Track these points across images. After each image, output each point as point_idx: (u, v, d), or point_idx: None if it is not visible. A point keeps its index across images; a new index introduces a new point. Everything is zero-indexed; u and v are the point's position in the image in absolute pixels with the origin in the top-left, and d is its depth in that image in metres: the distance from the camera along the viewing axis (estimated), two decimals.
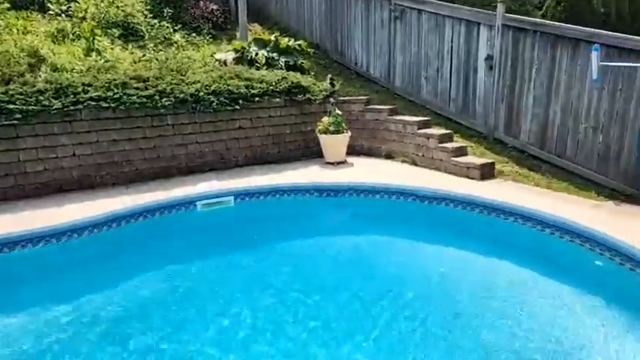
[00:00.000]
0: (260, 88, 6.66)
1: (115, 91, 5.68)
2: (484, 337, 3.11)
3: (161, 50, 7.78)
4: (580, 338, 3.15)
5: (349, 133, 6.86)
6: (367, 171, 6.40)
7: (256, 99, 6.58)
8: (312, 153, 7.15)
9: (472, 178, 5.82)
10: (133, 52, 7.43)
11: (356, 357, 2.96)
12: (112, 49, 7.30)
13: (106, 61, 6.52)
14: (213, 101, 6.22)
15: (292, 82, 6.94)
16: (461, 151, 6.31)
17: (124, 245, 4.61)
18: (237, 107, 6.44)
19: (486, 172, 5.87)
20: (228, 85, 6.44)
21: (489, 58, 6.51)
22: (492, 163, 6.02)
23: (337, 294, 3.76)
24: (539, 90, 5.97)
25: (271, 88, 6.74)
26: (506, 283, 4.00)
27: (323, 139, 6.81)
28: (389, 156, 7.19)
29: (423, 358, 2.96)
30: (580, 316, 3.42)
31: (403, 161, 6.92)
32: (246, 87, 6.57)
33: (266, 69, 7.35)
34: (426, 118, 7.04)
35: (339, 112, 6.84)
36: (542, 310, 3.51)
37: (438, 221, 5.29)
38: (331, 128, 6.67)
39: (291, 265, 4.33)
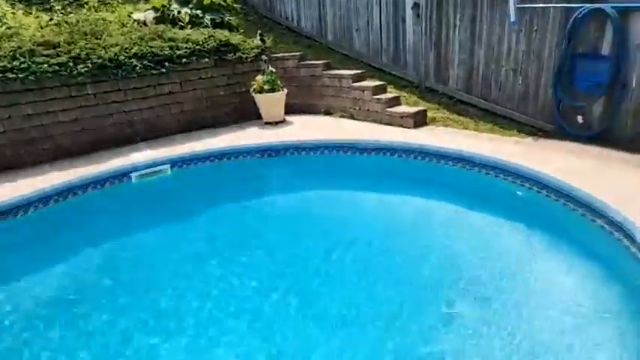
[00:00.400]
0: (186, 48, 6.31)
1: (22, 60, 5.14)
2: (431, 264, 3.39)
3: (70, 12, 7.07)
4: (511, 257, 3.52)
5: (285, 91, 6.76)
6: (307, 128, 6.40)
7: (183, 60, 6.25)
8: (250, 114, 7.00)
9: (407, 127, 6.03)
10: (38, 17, 6.70)
11: (310, 300, 3.09)
12: (13, 13, 6.53)
13: (8, 28, 5.84)
14: (136, 65, 5.82)
15: (221, 41, 6.64)
16: (395, 102, 6.46)
17: (55, 226, 4.36)
18: (164, 70, 6.09)
19: (419, 120, 6.09)
20: (151, 47, 6.03)
21: (416, 6, 6.57)
22: (424, 111, 6.24)
23: (285, 249, 3.84)
24: (463, 36, 6.16)
25: (198, 47, 6.41)
26: (444, 218, 4.31)
27: (259, 98, 6.66)
28: (327, 112, 7.21)
29: (373, 288, 3.19)
30: (508, 239, 3.82)
31: (341, 116, 6.98)
32: (171, 48, 6.20)
33: (191, 28, 6.95)
34: (361, 71, 7.08)
35: (273, 70, 6.69)
36: (478, 237, 3.84)
37: (378, 170, 5.46)
38: (266, 87, 6.53)
39: (236, 228, 4.33)
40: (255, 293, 3.23)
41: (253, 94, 6.68)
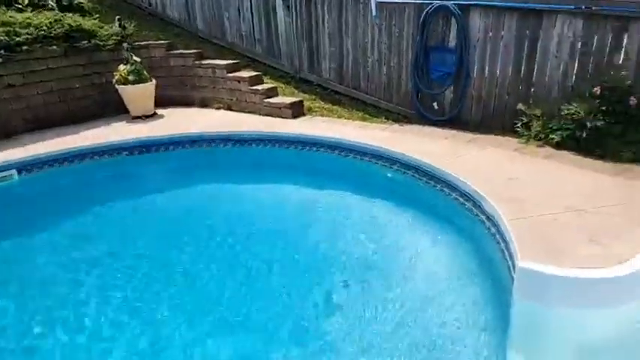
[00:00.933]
0: (27, 34, 5.44)
1: None
2: (310, 244, 3.52)
3: None
4: (382, 231, 3.86)
5: (154, 82, 6.28)
6: (182, 121, 6.05)
7: (24, 48, 5.37)
8: (115, 108, 6.33)
9: (285, 118, 6.08)
10: None
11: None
12: None
13: None
14: None
15: (71, 26, 5.87)
16: (272, 92, 6.46)
17: None
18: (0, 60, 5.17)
19: (297, 111, 6.20)
20: None
21: None
22: (301, 102, 6.36)
23: (159, 252, 3.60)
24: (332, 28, 6.41)
25: (42, 34, 5.57)
26: (325, 203, 4.49)
27: (123, 90, 6.07)
28: (203, 103, 6.91)
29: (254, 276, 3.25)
30: (379, 215, 4.16)
31: (218, 107, 6.75)
32: (7, 34, 5.28)
33: (32, 11, 5.99)
34: (235, 61, 6.92)
35: (138, 59, 6.14)
36: (352, 216, 4.13)
37: (259, 160, 5.42)
38: (131, 78, 5.98)
39: (102, 239, 3.93)
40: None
41: (117, 85, 6.07)
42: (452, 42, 5.42)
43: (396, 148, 4.64)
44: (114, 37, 6.32)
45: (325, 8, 6.34)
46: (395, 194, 4.46)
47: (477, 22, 5.19)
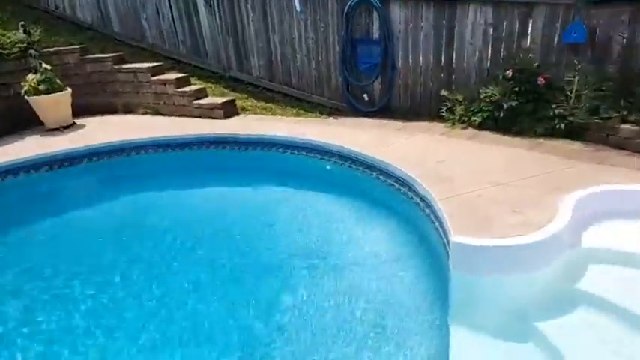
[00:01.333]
0: None
1: None
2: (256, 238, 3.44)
3: None
4: (326, 219, 3.94)
5: (69, 90, 5.83)
6: (105, 130, 5.68)
7: None
8: (27, 121, 5.80)
9: (217, 118, 5.93)
10: None
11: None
12: None
13: None
14: None
15: None
16: (201, 93, 6.27)
17: None
18: None
19: (229, 110, 6.06)
20: None
21: None
22: (233, 101, 6.24)
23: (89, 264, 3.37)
24: (257, 25, 6.33)
25: None
26: (266, 201, 4.47)
27: (35, 101, 5.59)
28: (128, 109, 6.55)
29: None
30: (321, 205, 4.22)
31: (145, 112, 6.43)
32: None
33: None
34: (159, 64, 6.62)
35: (48, 67, 5.67)
36: (299, 210, 4.16)
37: (196, 165, 5.25)
38: (42, 87, 5.51)
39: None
40: None
41: (27, 97, 5.57)
42: (376, 34, 5.57)
43: (332, 141, 4.70)
44: (19, 45, 5.78)
45: (249, 5, 6.26)
46: (335, 186, 4.52)
47: (397, 13, 5.38)
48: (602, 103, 4.23)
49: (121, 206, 4.57)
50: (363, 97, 5.96)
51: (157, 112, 6.36)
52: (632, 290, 2.45)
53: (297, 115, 6.05)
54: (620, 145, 4.07)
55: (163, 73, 6.46)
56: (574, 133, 4.35)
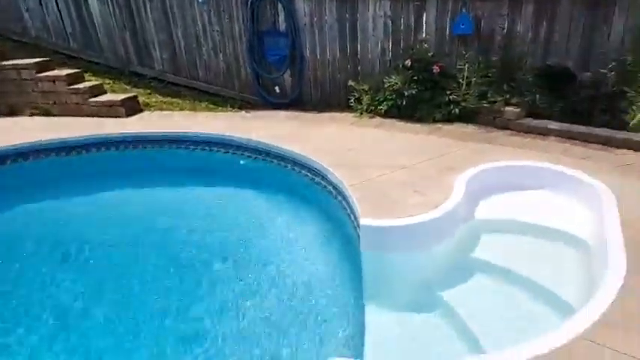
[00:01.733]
0: None
1: None
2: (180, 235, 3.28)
3: None
4: (244, 212, 3.89)
5: None
6: None
7: None
8: None
9: (118, 116, 5.52)
10: None
11: None
12: None
13: None
14: None
15: None
16: (98, 90, 5.78)
17: None
18: None
19: (131, 107, 5.67)
20: None
21: None
22: (135, 97, 5.85)
23: None
24: (157, 16, 5.99)
25: None
26: (181, 200, 4.28)
27: None
28: (12, 111, 5.83)
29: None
30: (237, 199, 4.19)
31: (32, 114, 5.77)
32: None
33: None
34: (46, 59, 5.96)
35: None
36: (217, 207, 4.06)
37: (96, 168, 4.83)
38: None
39: None
40: None
41: None
42: (282, 26, 5.57)
43: (244, 135, 4.62)
44: None
45: None
46: (250, 180, 4.45)
47: (301, 6, 5.42)
48: (489, 88, 4.68)
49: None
50: (275, 90, 5.94)
51: (46, 113, 5.75)
52: (519, 253, 2.76)
53: (207, 109, 5.86)
54: (506, 126, 4.53)
55: (52, 70, 5.84)
56: (467, 117, 4.76)
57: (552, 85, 4.52)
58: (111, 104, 5.54)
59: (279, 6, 5.45)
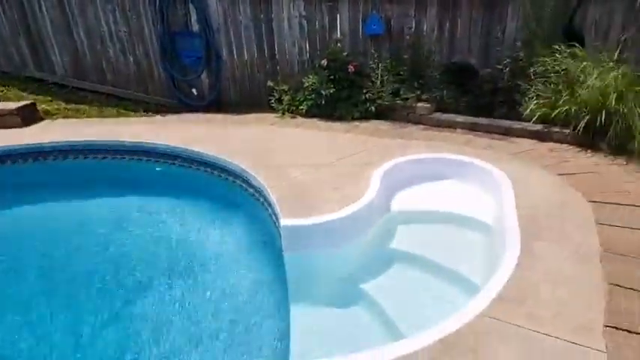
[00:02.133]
0: None
1: None
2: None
3: None
4: (164, 224, 3.69)
5: None
6: None
7: None
8: None
9: (13, 127, 4.98)
10: None
11: None
12: None
13: None
14: None
15: None
16: None
17: None
18: None
19: (29, 116, 5.13)
20: None
21: None
22: (33, 105, 5.31)
23: None
24: (55, 16, 5.50)
25: None
26: (90, 213, 3.97)
27: None
28: None
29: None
30: (162, 209, 3.94)
31: None
32: None
33: None
34: None
35: None
36: (136, 215, 3.83)
37: None
38: None
39: None
40: None
41: None
42: (195, 26, 5.38)
43: (159, 140, 4.40)
44: None
45: None
46: (167, 186, 4.25)
47: (214, 6, 5.28)
48: (402, 85, 4.90)
49: None
50: (192, 92, 5.73)
51: None
52: (431, 241, 2.91)
53: (118, 115, 5.50)
54: (419, 121, 4.77)
55: None
56: (383, 114, 4.94)
57: (458, 80, 4.84)
58: (4, 113, 4.97)
59: (191, 6, 5.26)
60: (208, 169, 4.07)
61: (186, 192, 4.11)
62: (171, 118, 5.43)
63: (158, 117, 5.51)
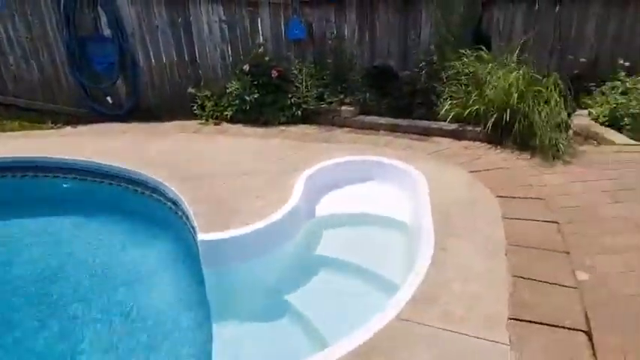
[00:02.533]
0: None
1: None
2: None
3: None
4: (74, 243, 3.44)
5: None
6: None
7: None
8: None
9: None
10: None
11: None
12: None
13: None
14: None
15: None
16: None
17: None
18: None
19: None
20: None
21: None
22: None
23: None
24: None
25: None
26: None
27: None
28: None
29: None
30: (71, 228, 3.68)
31: None
32: None
33: None
34: None
35: None
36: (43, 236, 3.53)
37: None
38: None
39: None
40: None
41: None
42: (107, 31, 5.05)
43: (67, 155, 4.05)
44: None
45: None
46: (77, 203, 3.92)
47: (126, 10, 4.98)
48: (326, 89, 4.92)
49: None
50: (107, 100, 5.36)
51: None
52: (353, 244, 2.92)
53: (21, 127, 5.02)
54: (344, 124, 4.82)
55: None
56: (309, 118, 4.93)
57: (379, 83, 4.96)
58: None
59: (100, 9, 4.92)
60: (122, 183, 3.81)
61: (98, 208, 3.82)
62: (83, 129, 5.04)
63: (68, 128, 5.09)
